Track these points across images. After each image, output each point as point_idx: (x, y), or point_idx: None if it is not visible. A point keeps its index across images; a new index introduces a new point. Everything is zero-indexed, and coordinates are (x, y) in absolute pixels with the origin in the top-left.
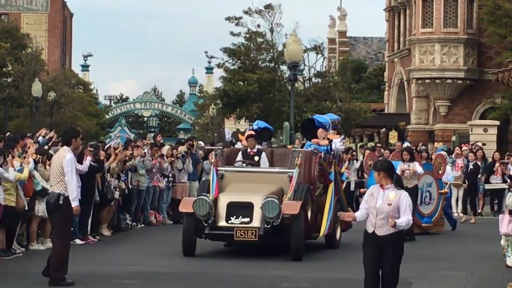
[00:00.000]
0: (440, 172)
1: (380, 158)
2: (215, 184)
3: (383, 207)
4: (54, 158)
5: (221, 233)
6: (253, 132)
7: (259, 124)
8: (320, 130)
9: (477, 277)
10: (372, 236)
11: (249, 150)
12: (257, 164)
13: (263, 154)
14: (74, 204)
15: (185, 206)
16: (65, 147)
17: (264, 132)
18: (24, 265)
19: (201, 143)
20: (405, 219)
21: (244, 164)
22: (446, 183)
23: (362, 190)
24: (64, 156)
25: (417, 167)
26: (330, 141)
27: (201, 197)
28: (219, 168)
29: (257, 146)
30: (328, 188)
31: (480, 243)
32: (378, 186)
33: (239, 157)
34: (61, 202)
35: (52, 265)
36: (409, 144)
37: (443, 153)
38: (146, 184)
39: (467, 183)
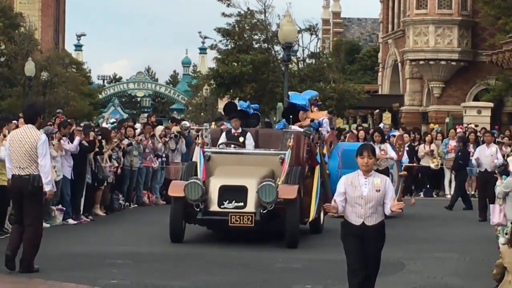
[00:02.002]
0: (399, 153)
1: (365, 142)
2: (203, 167)
3: (371, 194)
4: (20, 138)
5: (214, 219)
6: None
7: (251, 106)
8: (301, 113)
9: (470, 259)
10: (360, 228)
11: (233, 130)
12: (242, 145)
13: (248, 134)
14: (48, 188)
15: (175, 190)
16: (32, 126)
17: (254, 118)
18: None
19: (186, 123)
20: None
21: (232, 146)
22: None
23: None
24: (38, 137)
25: (389, 150)
26: (312, 120)
27: (193, 180)
28: (205, 150)
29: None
30: (314, 170)
31: (472, 225)
32: (356, 174)
33: (223, 137)
34: (40, 184)
35: (28, 251)
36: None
37: (402, 134)
38: (138, 164)
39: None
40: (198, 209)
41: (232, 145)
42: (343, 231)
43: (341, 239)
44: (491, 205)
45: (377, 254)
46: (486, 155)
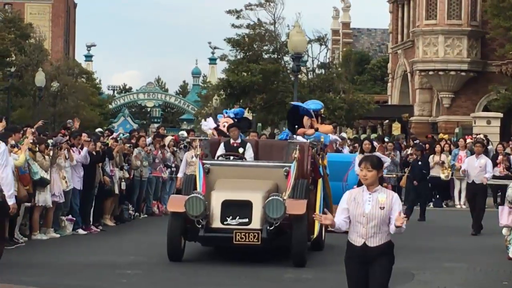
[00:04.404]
0: None
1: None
2: (202, 180)
3: (374, 212)
4: None
5: (217, 236)
6: (229, 120)
7: (238, 112)
8: (305, 118)
9: (479, 269)
10: (362, 249)
11: (232, 141)
12: (242, 156)
13: (248, 145)
14: (11, 202)
15: (175, 205)
16: None
17: (243, 122)
18: (27, 255)
19: (184, 133)
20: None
21: (231, 158)
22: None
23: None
24: None
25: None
26: (316, 129)
27: (195, 195)
28: (205, 162)
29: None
30: (317, 183)
31: (482, 235)
32: (360, 189)
33: (221, 149)
34: (1, 199)
35: None
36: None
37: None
38: (148, 174)
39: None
40: (200, 226)
41: (232, 157)
42: (346, 254)
43: (344, 262)
44: (500, 207)
45: (383, 280)
46: (474, 167)
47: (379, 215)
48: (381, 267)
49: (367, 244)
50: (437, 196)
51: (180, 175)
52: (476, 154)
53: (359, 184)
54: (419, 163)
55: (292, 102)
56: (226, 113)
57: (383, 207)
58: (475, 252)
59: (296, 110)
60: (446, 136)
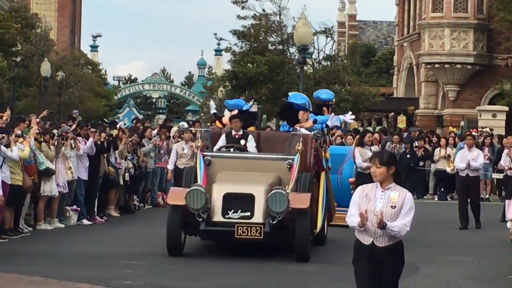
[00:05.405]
0: None
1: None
2: (203, 172)
3: (385, 211)
4: None
5: (218, 230)
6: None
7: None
8: (301, 113)
9: (484, 263)
10: (370, 249)
11: (233, 132)
12: (244, 148)
13: (250, 137)
14: None
15: (176, 198)
16: None
17: (249, 115)
18: (32, 245)
19: (185, 124)
20: (402, 222)
21: (232, 149)
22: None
23: (351, 180)
24: None
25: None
26: (315, 121)
27: (195, 187)
28: (205, 153)
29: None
30: (320, 176)
31: (487, 229)
32: (373, 185)
33: (222, 140)
34: None
35: None
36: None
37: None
38: (153, 165)
39: None
40: (201, 219)
41: (233, 149)
42: (354, 254)
43: (352, 263)
44: (506, 201)
45: (392, 283)
46: (467, 160)
47: (389, 214)
48: (390, 269)
49: (375, 244)
50: (442, 189)
51: (170, 167)
52: (467, 147)
53: (357, 177)
54: (408, 156)
55: (287, 98)
56: (229, 104)
57: (395, 206)
58: (479, 246)
59: (290, 106)
60: (454, 129)
